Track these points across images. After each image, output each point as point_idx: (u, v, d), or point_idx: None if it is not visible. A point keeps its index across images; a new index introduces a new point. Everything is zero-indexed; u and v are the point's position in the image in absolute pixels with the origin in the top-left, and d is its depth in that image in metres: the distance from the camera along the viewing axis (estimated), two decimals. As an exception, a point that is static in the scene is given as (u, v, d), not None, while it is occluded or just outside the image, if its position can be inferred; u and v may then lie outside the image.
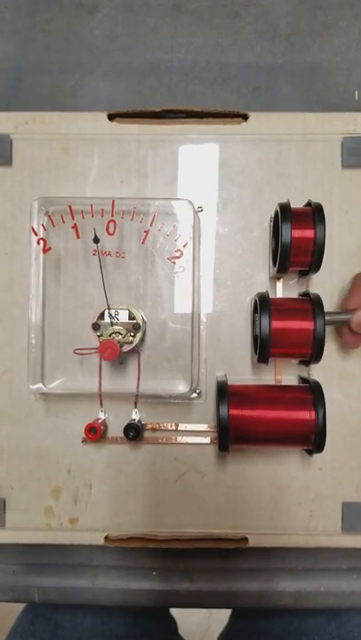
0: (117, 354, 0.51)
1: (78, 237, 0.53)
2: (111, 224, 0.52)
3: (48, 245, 0.53)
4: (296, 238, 0.49)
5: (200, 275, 0.56)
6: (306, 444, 0.51)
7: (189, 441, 0.56)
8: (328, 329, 0.52)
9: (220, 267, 0.56)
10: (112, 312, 0.53)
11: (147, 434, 0.56)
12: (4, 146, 0.56)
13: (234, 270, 0.56)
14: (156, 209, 0.53)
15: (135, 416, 0.56)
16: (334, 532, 0.56)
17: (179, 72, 0.63)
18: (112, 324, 0.53)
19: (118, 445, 0.56)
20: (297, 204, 0.53)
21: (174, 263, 0.54)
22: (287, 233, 0.49)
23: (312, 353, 0.50)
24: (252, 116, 0.56)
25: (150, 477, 0.56)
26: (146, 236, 0.53)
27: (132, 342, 0.53)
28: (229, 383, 0.52)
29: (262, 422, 0.50)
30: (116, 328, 0.53)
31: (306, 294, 0.53)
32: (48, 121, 0.57)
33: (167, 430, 0.56)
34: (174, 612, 0.78)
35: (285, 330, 0.50)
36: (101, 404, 0.56)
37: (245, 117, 0.56)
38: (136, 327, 0.53)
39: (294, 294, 0.56)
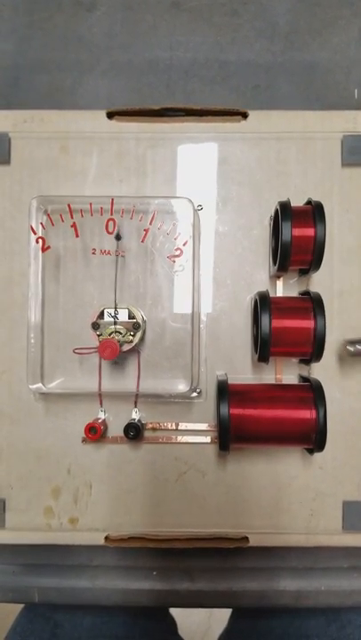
0: (117, 353, 0.51)
1: (77, 236, 0.53)
2: (110, 222, 0.52)
3: (47, 244, 0.53)
4: (296, 237, 0.49)
5: (200, 273, 0.55)
6: (306, 443, 0.50)
7: (190, 440, 0.56)
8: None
9: (220, 265, 0.56)
10: (112, 311, 0.53)
11: (147, 433, 0.56)
12: (2, 144, 0.56)
13: (234, 269, 0.56)
14: (156, 207, 0.53)
15: (135, 415, 0.55)
16: (335, 530, 0.55)
17: (178, 70, 0.63)
18: (115, 322, 0.53)
19: (118, 445, 0.56)
20: (297, 202, 0.52)
21: (174, 262, 0.54)
22: (287, 231, 0.49)
23: (313, 352, 0.50)
24: (252, 114, 0.56)
25: (150, 477, 0.56)
26: (145, 234, 0.53)
27: (131, 341, 0.53)
28: (230, 382, 0.52)
29: (263, 421, 0.50)
30: (116, 327, 0.53)
31: (306, 293, 0.53)
32: (47, 119, 0.56)
33: (167, 430, 0.56)
34: (175, 612, 0.78)
35: (286, 329, 0.50)
36: (101, 403, 0.56)
37: (245, 115, 0.56)
38: (136, 326, 0.53)
39: (295, 293, 0.56)
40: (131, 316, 0.53)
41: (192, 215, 0.53)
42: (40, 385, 0.55)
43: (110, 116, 0.56)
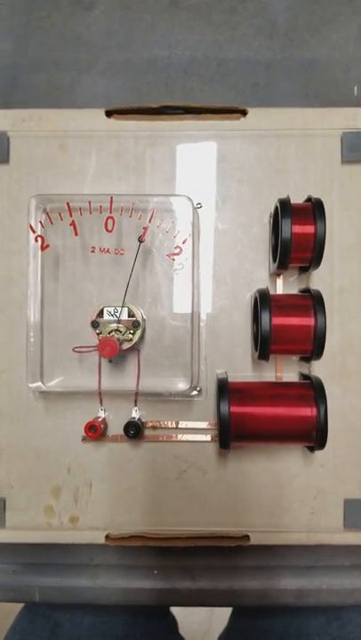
0: (117, 351, 0.51)
1: (76, 234, 0.53)
2: (110, 221, 0.52)
3: (46, 243, 0.53)
4: (296, 234, 0.49)
5: (199, 271, 0.55)
6: (307, 441, 0.50)
7: (190, 439, 0.55)
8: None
9: (220, 263, 0.56)
10: (111, 309, 0.53)
11: (147, 432, 0.56)
12: (1, 143, 0.56)
13: (234, 267, 0.56)
14: (155, 205, 0.53)
15: (135, 414, 0.55)
16: (336, 529, 0.55)
17: (176, 68, 0.63)
18: (118, 320, 0.53)
19: (118, 444, 0.56)
20: (297, 199, 0.52)
21: (173, 260, 0.54)
22: (287, 229, 0.49)
23: (313, 349, 0.50)
24: (251, 111, 0.56)
25: (151, 475, 0.56)
26: (145, 232, 0.53)
27: (131, 340, 0.53)
28: (230, 380, 0.52)
29: (263, 419, 0.50)
30: (116, 326, 0.53)
31: (306, 290, 0.52)
32: (45, 118, 0.56)
33: (167, 428, 0.56)
34: (175, 611, 0.77)
35: (286, 326, 0.50)
36: (101, 402, 0.56)
37: (244, 113, 0.56)
38: (135, 325, 0.53)
39: (295, 291, 0.56)
40: (130, 315, 0.53)
41: (191, 213, 0.53)
42: (40, 384, 0.54)
43: (109, 114, 0.56)
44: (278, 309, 0.50)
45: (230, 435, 0.49)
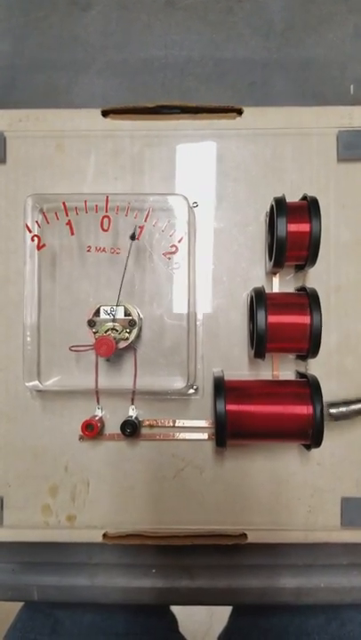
0: (113, 350, 0.51)
1: (73, 234, 0.53)
2: (105, 220, 0.52)
3: (42, 242, 0.53)
4: (292, 232, 0.49)
5: (196, 270, 0.55)
6: (303, 439, 0.50)
7: (187, 437, 0.56)
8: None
9: (217, 262, 0.56)
10: (108, 308, 0.53)
11: (144, 430, 0.56)
12: (-2, 143, 0.56)
13: (230, 266, 0.56)
14: (151, 204, 0.53)
15: (132, 413, 0.55)
16: (334, 527, 0.55)
17: (173, 68, 0.63)
18: (114, 319, 0.53)
19: (115, 442, 0.56)
20: (293, 198, 0.52)
21: (169, 259, 0.54)
22: (283, 227, 0.49)
23: (309, 347, 0.50)
24: (247, 110, 0.56)
25: (148, 474, 0.56)
26: (141, 231, 0.53)
27: (127, 339, 0.53)
28: (226, 379, 0.52)
29: (259, 417, 0.50)
30: (112, 324, 0.53)
31: (302, 289, 0.53)
32: (42, 118, 0.56)
33: (165, 427, 0.56)
34: (176, 611, 0.77)
35: (282, 324, 0.50)
36: (98, 401, 0.56)
37: (240, 112, 0.56)
38: (132, 323, 0.53)
39: (291, 289, 0.56)
40: (127, 314, 0.53)
41: (187, 212, 0.53)
42: (36, 382, 0.55)
43: (105, 114, 0.56)
44: (274, 308, 0.50)
45: (226, 433, 0.50)
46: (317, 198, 0.50)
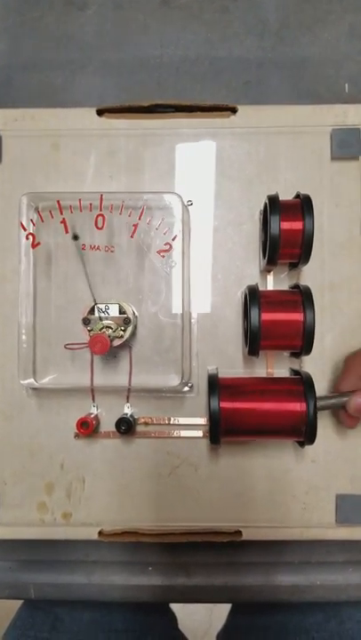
0: (108, 348, 0.51)
1: (67, 232, 0.53)
2: (100, 218, 0.52)
3: (37, 241, 0.53)
4: (285, 230, 0.49)
5: (191, 268, 0.56)
6: (297, 436, 0.50)
7: (182, 434, 0.56)
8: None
9: (211, 260, 0.56)
10: (102, 306, 0.53)
11: (139, 428, 0.56)
12: (-7, 143, 0.56)
13: (225, 264, 0.56)
14: (145, 203, 0.53)
15: (127, 410, 0.56)
16: (329, 524, 0.55)
17: (169, 67, 0.63)
18: (101, 318, 0.53)
19: (111, 440, 0.56)
20: (287, 196, 0.53)
21: (163, 257, 0.54)
22: (276, 225, 0.49)
23: (302, 345, 0.50)
24: (241, 109, 0.56)
25: (144, 471, 0.56)
26: (134, 230, 0.53)
27: (122, 336, 0.53)
28: (221, 376, 0.52)
29: (253, 414, 0.50)
30: (107, 322, 0.53)
31: (296, 286, 0.53)
32: (37, 117, 0.57)
33: (160, 424, 0.56)
34: (176, 609, 0.78)
35: (275, 322, 0.50)
36: (93, 398, 0.56)
37: (234, 111, 0.56)
38: (126, 321, 0.53)
39: (285, 287, 0.56)
40: (121, 312, 0.53)
41: (182, 210, 0.53)
42: (32, 380, 0.55)
43: (100, 113, 0.57)
44: (268, 305, 0.50)
45: (220, 430, 0.50)
46: (311, 196, 0.50)
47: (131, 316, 0.53)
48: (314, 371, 0.53)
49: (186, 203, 0.55)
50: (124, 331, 0.53)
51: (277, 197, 0.51)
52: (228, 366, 0.56)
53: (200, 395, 0.56)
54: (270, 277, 0.56)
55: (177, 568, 0.60)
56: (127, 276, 0.55)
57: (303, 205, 0.50)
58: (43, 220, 0.54)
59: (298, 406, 0.49)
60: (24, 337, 0.54)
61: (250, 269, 0.56)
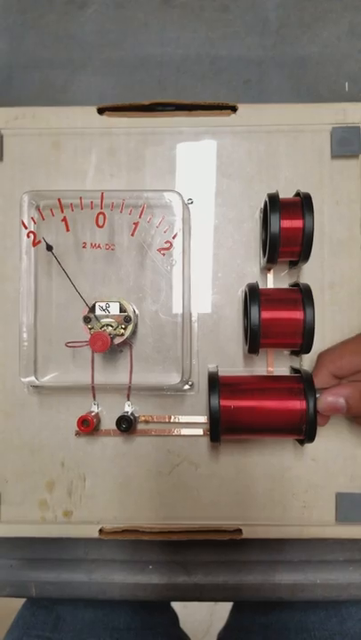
0: (108, 346, 0.51)
1: (68, 230, 0.53)
2: (100, 216, 0.52)
3: (38, 239, 0.53)
4: (285, 228, 0.49)
5: (191, 267, 0.56)
6: (297, 434, 0.51)
7: (182, 433, 0.56)
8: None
9: (212, 259, 0.56)
10: (103, 305, 0.53)
11: (140, 426, 0.56)
12: (-6, 141, 0.57)
13: (225, 262, 0.56)
14: (146, 201, 0.53)
15: (128, 408, 0.56)
16: (328, 522, 0.55)
17: (169, 66, 0.63)
18: (100, 316, 0.53)
19: (112, 438, 0.56)
20: (287, 194, 0.53)
21: (164, 255, 0.54)
22: (276, 223, 0.49)
23: (302, 343, 0.50)
24: (241, 107, 0.56)
25: (144, 469, 0.56)
26: (135, 228, 0.53)
27: (123, 335, 0.53)
28: (221, 374, 0.52)
29: (253, 412, 0.50)
30: (107, 321, 0.53)
31: (296, 284, 0.53)
32: (38, 116, 0.57)
33: (160, 422, 0.56)
34: (177, 609, 0.78)
35: (275, 320, 0.50)
36: (94, 396, 0.56)
37: (234, 109, 0.56)
38: (127, 319, 0.53)
39: (285, 285, 0.56)
40: (122, 310, 0.54)
41: (182, 208, 0.53)
42: (32, 378, 0.55)
43: (101, 111, 0.57)
44: (267, 303, 0.50)
45: (221, 428, 0.50)
46: (311, 195, 0.50)
47: (131, 314, 0.53)
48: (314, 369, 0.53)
49: (186, 201, 0.55)
50: (124, 329, 0.53)
51: (277, 195, 0.51)
52: (228, 364, 0.56)
53: (200, 393, 0.56)
54: (270, 275, 0.56)
55: (177, 566, 0.60)
56: (128, 274, 0.55)
57: (303, 203, 0.50)
58: (44, 218, 0.54)
59: (298, 404, 0.49)
60: (25, 335, 0.54)
61: (250, 267, 0.56)
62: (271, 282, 0.56)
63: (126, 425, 0.53)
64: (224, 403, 0.49)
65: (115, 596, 0.60)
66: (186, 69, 0.63)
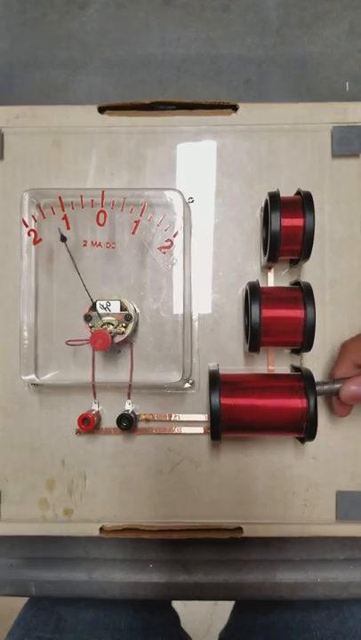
0: (109, 344, 0.51)
1: (69, 228, 0.53)
2: (101, 215, 0.52)
3: (39, 237, 0.53)
4: (286, 227, 0.50)
5: (192, 265, 0.56)
6: (297, 432, 0.51)
7: (183, 431, 0.56)
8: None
9: (213, 257, 0.56)
10: (103, 303, 0.53)
11: (141, 424, 0.56)
12: (-5, 140, 0.57)
13: (226, 261, 0.56)
14: (147, 200, 0.53)
15: (129, 407, 0.56)
16: (329, 521, 0.55)
17: (170, 66, 0.63)
18: (99, 315, 0.53)
19: (112, 436, 0.56)
20: (288, 193, 0.53)
21: (165, 253, 0.54)
22: (277, 222, 0.49)
23: (303, 341, 0.50)
24: (242, 106, 0.56)
25: (144, 468, 0.56)
26: (136, 226, 0.53)
27: (123, 333, 0.53)
28: (221, 373, 0.52)
29: (254, 411, 0.50)
30: (108, 319, 0.53)
31: (296, 283, 0.53)
32: (39, 114, 0.57)
33: (161, 421, 0.56)
34: (178, 609, 0.78)
35: (276, 318, 0.50)
36: (95, 395, 0.56)
37: (235, 108, 0.56)
38: (128, 318, 0.53)
39: (286, 284, 0.56)
40: (123, 308, 0.54)
41: (183, 207, 0.53)
42: (33, 376, 0.55)
43: (102, 110, 0.57)
44: (268, 302, 0.50)
45: (221, 426, 0.50)
46: (312, 193, 0.50)
47: (132, 313, 0.53)
48: (314, 367, 0.54)
49: (187, 200, 0.55)
50: (125, 327, 0.53)
51: (278, 194, 0.51)
52: (228, 363, 0.56)
53: (201, 391, 0.56)
54: (271, 274, 0.56)
55: (178, 565, 0.60)
56: (128, 272, 0.55)
57: (304, 202, 0.50)
58: (44, 217, 0.54)
59: (298, 402, 0.49)
60: (26, 333, 0.54)
61: (251, 266, 0.56)
62: (272, 280, 0.56)
63: (127, 423, 0.53)
64: (225, 401, 0.50)
65: (115, 595, 0.60)
66: (186, 69, 0.63)
